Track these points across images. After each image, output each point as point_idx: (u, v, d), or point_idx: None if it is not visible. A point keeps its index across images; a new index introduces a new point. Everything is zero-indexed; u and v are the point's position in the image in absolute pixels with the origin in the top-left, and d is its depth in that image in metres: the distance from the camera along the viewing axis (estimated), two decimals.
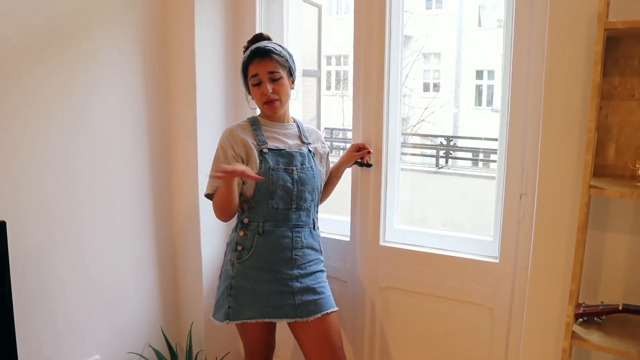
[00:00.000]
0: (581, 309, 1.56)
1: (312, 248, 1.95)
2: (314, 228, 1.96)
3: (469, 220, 5.98)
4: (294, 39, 2.49)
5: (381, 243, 2.22)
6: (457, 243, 2.14)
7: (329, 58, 12.46)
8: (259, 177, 1.74)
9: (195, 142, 2.28)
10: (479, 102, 13.20)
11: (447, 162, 8.40)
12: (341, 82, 12.18)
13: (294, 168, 1.87)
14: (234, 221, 1.97)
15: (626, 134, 1.58)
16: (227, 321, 1.87)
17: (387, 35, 2.11)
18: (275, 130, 1.93)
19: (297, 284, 1.88)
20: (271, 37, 1.96)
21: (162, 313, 2.42)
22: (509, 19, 1.90)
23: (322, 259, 2.00)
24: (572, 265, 1.47)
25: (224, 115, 2.40)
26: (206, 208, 2.35)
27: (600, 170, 1.63)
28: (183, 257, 2.44)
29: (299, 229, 1.90)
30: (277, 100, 1.87)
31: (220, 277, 1.97)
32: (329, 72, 12.65)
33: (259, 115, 1.99)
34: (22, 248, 1.82)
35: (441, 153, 8.46)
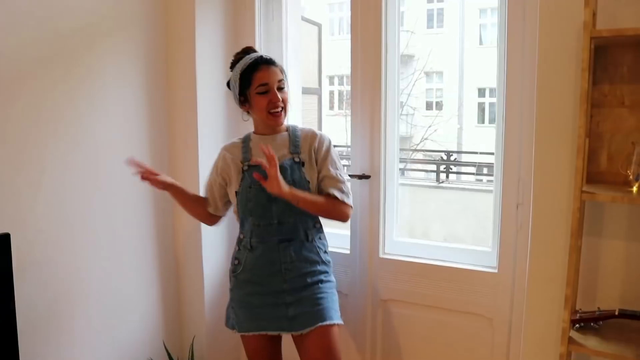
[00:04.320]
0: (578, 315, 1.57)
1: (307, 260, 1.88)
2: (307, 240, 1.89)
3: (471, 234, 5.99)
4: (293, 57, 2.54)
5: (381, 255, 2.23)
6: (456, 254, 2.16)
7: (331, 78, 12.59)
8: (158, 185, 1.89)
9: (197, 157, 2.32)
10: (481, 119, 13.26)
11: (447, 176, 8.45)
12: (344, 102, 12.28)
13: None
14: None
15: (617, 140, 1.61)
16: (235, 331, 1.94)
17: (384, 54, 2.15)
18: (263, 144, 1.85)
19: (289, 297, 1.85)
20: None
21: (164, 327, 2.43)
22: (502, 35, 1.95)
23: (324, 269, 1.92)
24: (566, 271, 1.48)
25: (225, 133, 2.44)
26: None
27: (593, 177, 1.65)
28: (185, 271, 2.46)
29: (287, 243, 1.85)
30: (283, 109, 1.86)
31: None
32: (332, 92, 12.77)
33: (254, 131, 1.97)
34: (25, 261, 1.84)
35: (442, 168, 8.51)
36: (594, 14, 1.47)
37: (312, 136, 1.92)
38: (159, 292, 2.40)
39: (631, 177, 1.49)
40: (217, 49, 2.37)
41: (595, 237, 1.69)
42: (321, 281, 1.90)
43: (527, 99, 1.83)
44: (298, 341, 1.88)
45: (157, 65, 2.30)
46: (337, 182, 1.87)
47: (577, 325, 1.56)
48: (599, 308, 1.60)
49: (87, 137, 2.04)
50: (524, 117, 1.86)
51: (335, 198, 1.85)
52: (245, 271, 1.89)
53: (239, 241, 1.93)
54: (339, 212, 1.89)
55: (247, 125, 2.46)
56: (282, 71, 1.87)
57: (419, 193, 7.76)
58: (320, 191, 1.89)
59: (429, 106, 13.47)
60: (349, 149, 2.31)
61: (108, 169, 2.13)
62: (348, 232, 2.30)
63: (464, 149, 12.08)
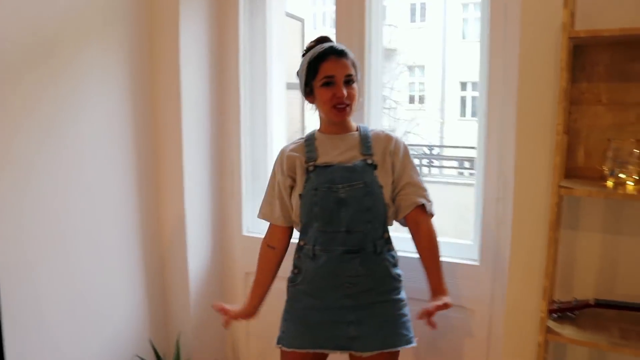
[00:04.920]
0: (555, 305, 1.62)
1: (374, 275, 1.71)
2: (375, 252, 1.72)
3: (453, 227, 6.07)
4: (277, 52, 2.56)
5: None
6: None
7: None
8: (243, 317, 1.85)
9: (182, 154, 2.32)
10: (463, 113, 13.40)
11: (429, 170, 8.56)
12: None
13: (339, 186, 1.67)
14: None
15: (594, 137, 1.66)
16: (280, 346, 1.77)
17: (367, 48, 2.18)
18: (329, 144, 1.75)
19: (351, 315, 1.70)
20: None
21: (150, 324, 2.44)
22: (484, 31, 1.99)
23: (394, 285, 1.76)
24: (544, 262, 1.54)
25: (209, 129, 2.45)
26: (193, 220, 2.40)
27: (571, 172, 1.70)
28: (170, 269, 2.47)
29: (353, 254, 1.68)
30: (348, 105, 1.70)
31: None
32: None
33: (318, 129, 1.81)
34: (10, 260, 1.84)
35: (424, 162, 8.62)
36: (573, 15, 1.51)
37: (386, 139, 1.77)
38: (144, 289, 2.40)
39: (607, 172, 1.54)
40: (201, 43, 2.38)
41: (573, 230, 1.75)
42: (389, 300, 1.75)
43: (508, 94, 1.87)
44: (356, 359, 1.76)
45: (141, 62, 2.30)
46: (423, 190, 1.75)
47: (554, 315, 1.62)
48: (575, 298, 1.66)
49: (71, 135, 2.04)
50: (506, 112, 1.90)
51: (422, 208, 1.73)
52: (305, 282, 1.74)
53: (299, 248, 1.77)
54: (434, 231, 1.76)
55: (232, 122, 2.49)
56: (353, 65, 1.71)
57: None
58: (398, 199, 1.74)
59: (411, 100, 13.56)
60: None
61: (92, 167, 2.13)
62: None
63: (446, 143, 12.20)
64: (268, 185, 1.86)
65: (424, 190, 1.75)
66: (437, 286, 1.72)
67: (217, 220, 2.53)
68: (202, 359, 2.49)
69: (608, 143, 1.58)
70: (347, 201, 1.66)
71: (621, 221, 1.69)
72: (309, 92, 1.74)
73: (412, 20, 14.27)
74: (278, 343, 1.78)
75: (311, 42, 1.77)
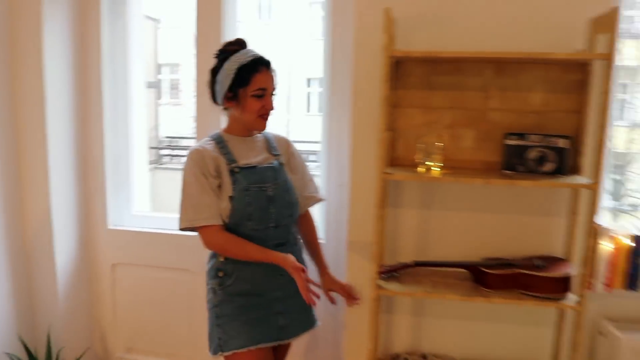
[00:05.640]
0: (384, 268, 2.03)
1: None
2: (295, 243, 1.90)
3: None
4: (137, 52, 2.68)
5: None
6: None
7: (162, 67, 12.35)
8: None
9: (46, 151, 2.37)
10: (309, 108, 14.02)
11: None
12: (177, 91, 12.14)
13: (268, 185, 1.78)
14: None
15: (410, 133, 2.09)
16: (220, 353, 1.77)
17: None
18: (243, 146, 1.82)
19: (281, 306, 1.82)
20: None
21: (17, 320, 2.44)
22: (327, 31, 2.32)
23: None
24: (373, 234, 1.93)
25: (73, 126, 2.52)
26: (58, 214, 2.45)
27: (394, 161, 2.11)
28: (37, 264, 2.49)
29: (281, 247, 1.80)
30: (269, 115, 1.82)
31: (208, 309, 1.86)
32: (161, 80, 12.54)
33: (224, 130, 1.85)
34: None
35: None
36: (393, 37, 1.90)
37: (285, 141, 1.96)
38: (9, 285, 2.41)
39: (419, 160, 1.98)
40: (64, 44, 2.42)
41: (397, 207, 2.18)
42: None
43: (345, 92, 2.23)
44: (279, 349, 1.93)
45: (2, 59, 2.30)
46: (315, 183, 2.00)
47: (384, 275, 2.02)
48: (399, 262, 2.09)
49: None
50: (343, 109, 2.28)
51: (319, 200, 1.99)
52: (240, 282, 1.78)
53: None
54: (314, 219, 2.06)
55: (90, 112, 2.56)
56: (275, 76, 1.81)
57: None
58: (303, 196, 1.94)
59: None
60: (183, 140, 2.46)
61: None
62: None
63: (292, 137, 12.69)
64: (192, 190, 1.74)
65: (314, 182, 2.01)
66: (324, 264, 2.02)
67: (82, 215, 2.61)
68: (73, 349, 2.56)
69: (419, 138, 2.02)
70: (274, 198, 1.78)
71: (432, 199, 2.15)
72: (231, 97, 1.76)
73: (260, 16, 14.53)
74: (220, 351, 1.78)
75: (229, 44, 1.79)
